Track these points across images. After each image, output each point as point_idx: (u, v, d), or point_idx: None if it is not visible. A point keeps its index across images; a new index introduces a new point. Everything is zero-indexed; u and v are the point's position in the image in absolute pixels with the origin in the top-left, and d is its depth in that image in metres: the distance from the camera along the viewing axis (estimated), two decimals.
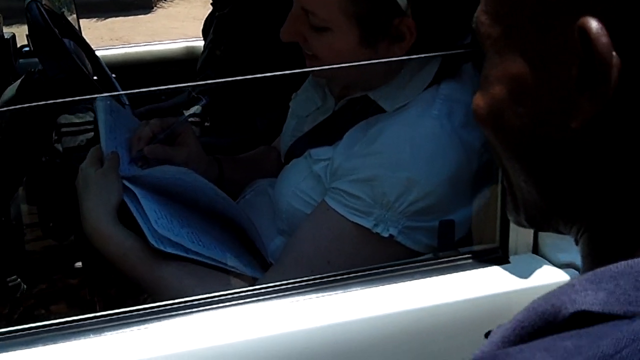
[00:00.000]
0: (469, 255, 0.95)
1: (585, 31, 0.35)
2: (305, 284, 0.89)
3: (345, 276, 0.90)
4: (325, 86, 1.15)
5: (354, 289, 0.89)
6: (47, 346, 0.81)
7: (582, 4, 0.36)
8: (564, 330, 0.34)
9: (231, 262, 1.02)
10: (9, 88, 1.81)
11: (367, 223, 0.95)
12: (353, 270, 0.91)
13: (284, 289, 0.88)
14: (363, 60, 0.97)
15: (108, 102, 1.13)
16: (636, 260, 0.35)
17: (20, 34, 2.08)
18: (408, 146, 0.94)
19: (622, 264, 0.35)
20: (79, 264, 1.53)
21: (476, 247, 0.99)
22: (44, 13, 1.65)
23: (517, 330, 0.35)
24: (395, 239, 0.95)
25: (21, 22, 2.09)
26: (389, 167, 0.94)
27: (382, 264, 0.92)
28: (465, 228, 0.97)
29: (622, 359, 0.32)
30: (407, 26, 0.95)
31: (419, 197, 0.93)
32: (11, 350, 0.80)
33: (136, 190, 0.99)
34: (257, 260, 1.07)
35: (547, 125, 0.39)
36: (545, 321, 0.35)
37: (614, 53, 0.35)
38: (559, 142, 0.39)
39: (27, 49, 2.08)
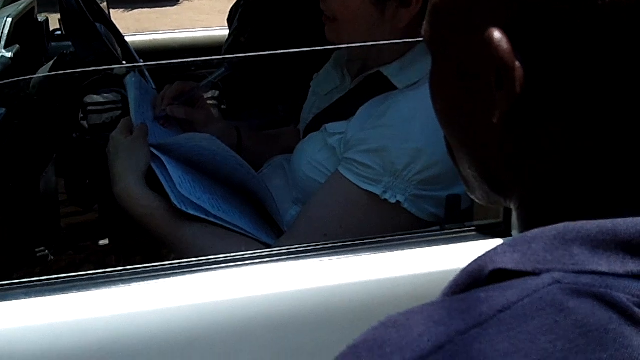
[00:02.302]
0: (473, 228, 1.03)
1: (490, 40, 0.43)
2: (320, 248, 0.98)
3: (356, 242, 0.99)
4: (344, 67, 1.24)
5: (365, 254, 0.97)
6: (80, 293, 0.91)
7: (489, 18, 0.44)
8: (484, 286, 0.41)
9: (248, 228, 1.12)
10: (41, 69, 1.93)
11: (376, 190, 1.04)
12: (364, 237, 0.99)
13: (300, 251, 0.97)
14: (373, 20, 1.08)
15: (138, 79, 1.23)
16: (547, 227, 0.42)
17: (52, 19, 2.20)
18: (416, 120, 1.03)
19: (535, 231, 0.42)
20: (104, 241, 1.63)
21: (481, 221, 1.07)
22: None
23: (452, 287, 0.43)
24: (402, 205, 1.04)
25: (51, 10, 2.21)
26: (398, 139, 1.03)
27: (392, 233, 1.00)
28: (470, 200, 1.05)
29: (522, 307, 0.39)
30: None
31: (425, 166, 1.02)
32: (49, 295, 0.90)
33: (163, 157, 1.09)
34: (272, 229, 1.17)
35: (475, 119, 0.47)
36: (472, 279, 0.42)
37: (515, 57, 0.42)
38: (486, 134, 0.47)
39: (58, 32, 2.19)
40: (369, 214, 1.05)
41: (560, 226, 0.42)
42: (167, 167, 1.07)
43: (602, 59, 0.42)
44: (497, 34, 0.43)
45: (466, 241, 1.00)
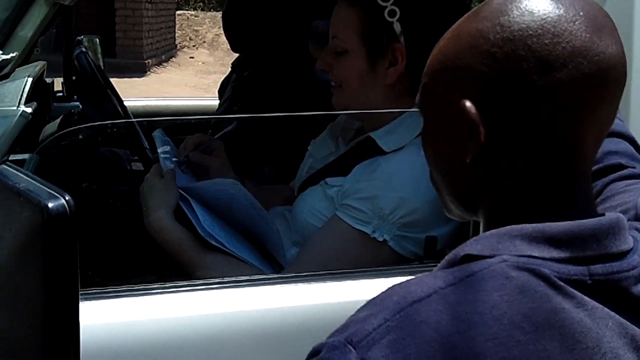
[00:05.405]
0: None
1: (463, 108, 0.68)
2: (320, 275, 1.26)
3: (352, 271, 1.27)
4: (339, 136, 1.56)
5: (360, 279, 1.25)
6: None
7: (464, 92, 0.69)
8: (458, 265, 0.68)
9: (255, 262, 1.39)
10: (48, 126, 2.20)
11: (367, 229, 1.33)
12: (358, 269, 1.27)
13: (305, 276, 1.25)
14: (367, 78, 1.38)
15: (163, 134, 1.53)
16: (499, 229, 0.69)
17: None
18: (402, 175, 1.34)
19: (492, 231, 0.70)
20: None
21: None
22: (91, 62, 2.06)
23: (437, 268, 0.70)
24: (388, 244, 1.33)
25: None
26: (386, 189, 1.33)
27: (380, 267, 1.29)
28: (444, 242, 1.35)
29: (482, 274, 0.65)
30: (399, 51, 1.36)
31: (408, 212, 1.33)
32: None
33: (190, 198, 1.37)
34: (273, 265, 1.44)
35: (454, 160, 0.73)
36: (450, 262, 0.69)
37: (480, 119, 0.68)
38: (461, 169, 0.73)
39: (60, 94, 2.48)
40: (360, 250, 1.34)
41: (508, 227, 0.69)
42: (193, 205, 1.35)
43: (537, 119, 0.68)
44: (468, 104, 0.69)
45: None
